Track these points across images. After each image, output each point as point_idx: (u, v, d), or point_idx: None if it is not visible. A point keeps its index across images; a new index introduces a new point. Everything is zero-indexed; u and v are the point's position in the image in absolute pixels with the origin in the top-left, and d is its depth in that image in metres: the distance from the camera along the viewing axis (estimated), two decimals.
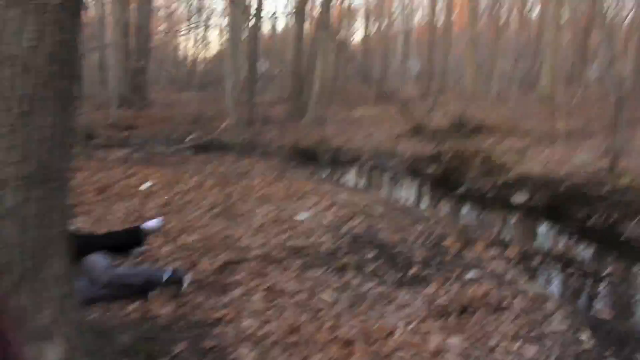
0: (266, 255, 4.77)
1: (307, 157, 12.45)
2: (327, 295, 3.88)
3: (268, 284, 4.02)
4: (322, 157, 12.74)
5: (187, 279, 3.83)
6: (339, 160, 12.83)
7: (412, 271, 4.58)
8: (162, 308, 3.47)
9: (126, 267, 4.07)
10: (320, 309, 3.67)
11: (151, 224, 4.17)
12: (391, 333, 3.33)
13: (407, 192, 10.63)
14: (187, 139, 13.13)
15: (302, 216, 6.16)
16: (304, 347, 3.04)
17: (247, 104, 16.06)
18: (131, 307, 3.47)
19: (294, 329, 3.22)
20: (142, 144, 12.18)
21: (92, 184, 7.17)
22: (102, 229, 4.96)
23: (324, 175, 10.14)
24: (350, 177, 11.61)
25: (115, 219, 5.69)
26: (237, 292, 3.83)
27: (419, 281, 4.36)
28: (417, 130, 13.98)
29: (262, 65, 23.02)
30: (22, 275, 2.15)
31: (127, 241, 4.07)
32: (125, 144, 12.28)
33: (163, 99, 21.35)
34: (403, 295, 4.03)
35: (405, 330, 3.39)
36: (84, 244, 3.79)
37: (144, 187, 7.18)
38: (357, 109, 19.66)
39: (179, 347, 2.90)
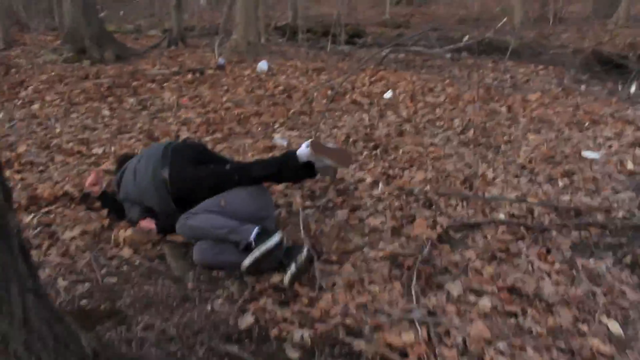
0: (522, 217, 3.19)
1: (609, 67, 9.59)
2: (612, 325, 2.20)
3: (509, 279, 2.49)
4: (632, 69, 9.71)
5: (302, 256, 2.43)
6: None
7: None
8: (302, 317, 2.18)
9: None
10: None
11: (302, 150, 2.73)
12: None
13: None
14: (463, 40, 11.33)
15: (590, 154, 4.26)
16: None
17: None
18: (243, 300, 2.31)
19: None
20: (407, 44, 10.89)
21: (328, 89, 6.23)
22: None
23: (631, 93, 7.39)
24: None
25: (340, 135, 4.65)
26: (453, 288, 2.40)
27: None
28: None
29: None
30: None
31: (297, 171, 2.77)
32: (390, 43, 11.13)
33: None
34: None
35: None
36: (228, 176, 2.73)
37: (387, 95, 5.97)
38: None
39: None
